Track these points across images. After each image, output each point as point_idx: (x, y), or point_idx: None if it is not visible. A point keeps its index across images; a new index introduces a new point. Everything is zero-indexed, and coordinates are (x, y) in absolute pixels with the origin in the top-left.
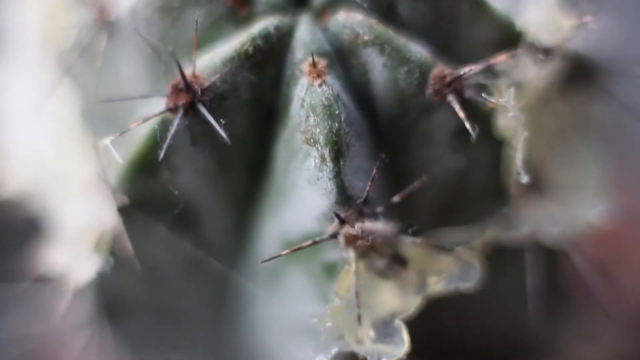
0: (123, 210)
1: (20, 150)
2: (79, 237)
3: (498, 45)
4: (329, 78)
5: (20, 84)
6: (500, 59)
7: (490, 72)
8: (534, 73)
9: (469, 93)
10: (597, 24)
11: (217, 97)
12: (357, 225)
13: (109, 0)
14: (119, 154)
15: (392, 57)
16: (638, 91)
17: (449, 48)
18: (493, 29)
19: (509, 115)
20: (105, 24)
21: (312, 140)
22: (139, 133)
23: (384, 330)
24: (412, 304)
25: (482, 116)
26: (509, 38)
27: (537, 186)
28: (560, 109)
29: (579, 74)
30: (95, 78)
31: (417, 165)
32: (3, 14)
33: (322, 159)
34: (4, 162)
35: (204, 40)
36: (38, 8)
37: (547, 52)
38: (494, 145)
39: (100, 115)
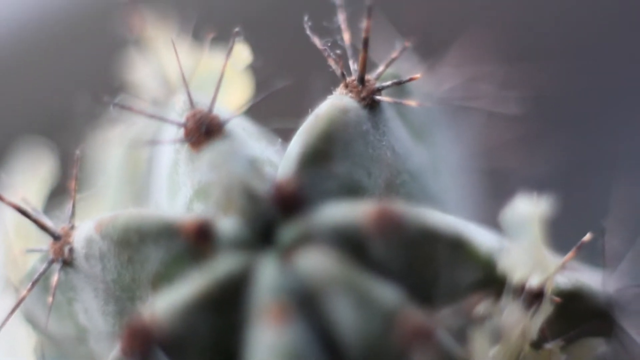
0: None
1: None
2: None
3: (480, 285)
4: (292, 321)
5: None
6: (477, 302)
7: (469, 315)
8: (517, 317)
9: (439, 339)
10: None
11: (175, 340)
12: None
13: (65, 230)
14: None
15: (357, 300)
16: None
17: (425, 288)
18: (474, 269)
19: None
20: (58, 255)
21: None
22: None
23: None
24: None
25: None
26: (493, 279)
27: None
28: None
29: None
30: (47, 312)
31: None
32: None
33: None
34: None
35: (163, 276)
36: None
37: (532, 294)
38: None
39: (53, 349)
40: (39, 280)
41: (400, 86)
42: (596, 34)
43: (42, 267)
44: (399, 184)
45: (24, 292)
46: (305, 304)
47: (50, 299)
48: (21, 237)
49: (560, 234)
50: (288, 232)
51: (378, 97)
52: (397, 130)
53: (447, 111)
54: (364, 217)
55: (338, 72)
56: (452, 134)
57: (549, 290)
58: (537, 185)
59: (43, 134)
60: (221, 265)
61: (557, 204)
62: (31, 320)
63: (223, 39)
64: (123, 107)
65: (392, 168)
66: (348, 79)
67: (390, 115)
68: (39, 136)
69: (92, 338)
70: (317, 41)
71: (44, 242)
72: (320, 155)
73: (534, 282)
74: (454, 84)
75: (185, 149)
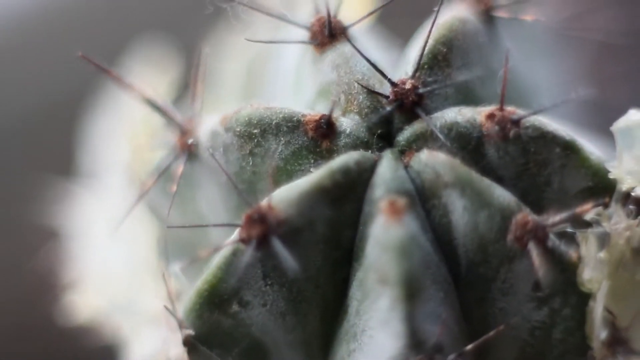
0: (188, 344)
1: (96, 276)
2: None
3: (589, 192)
4: (406, 218)
5: (102, 212)
6: (588, 209)
7: (578, 220)
8: (624, 224)
9: (552, 242)
10: None
11: (292, 230)
12: None
13: (191, 124)
14: (189, 283)
15: (473, 200)
16: None
17: (537, 192)
18: (585, 175)
19: (595, 267)
20: (184, 148)
21: (384, 280)
22: (209, 263)
23: None
24: None
25: (567, 267)
26: (602, 186)
27: (620, 342)
28: None
29: None
30: (170, 203)
31: (496, 314)
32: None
33: (393, 300)
34: (80, 287)
35: (283, 170)
36: (127, 140)
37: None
38: (579, 298)
39: (175, 241)
40: (165, 173)
41: (516, 6)
42: None
43: (168, 159)
44: (510, 97)
45: (149, 183)
46: (422, 201)
47: (174, 187)
48: (146, 131)
49: None
50: (406, 132)
51: (495, 13)
52: (511, 48)
53: (557, 38)
54: (483, 118)
55: None
56: (561, 60)
57: None
58: None
59: (167, 30)
60: (339, 161)
61: None
62: (155, 212)
63: None
64: (249, 6)
65: (504, 81)
66: None
67: (505, 32)
68: (163, 32)
69: (212, 227)
70: None
71: (169, 137)
72: (440, 61)
73: None
74: (568, 13)
75: (309, 50)
